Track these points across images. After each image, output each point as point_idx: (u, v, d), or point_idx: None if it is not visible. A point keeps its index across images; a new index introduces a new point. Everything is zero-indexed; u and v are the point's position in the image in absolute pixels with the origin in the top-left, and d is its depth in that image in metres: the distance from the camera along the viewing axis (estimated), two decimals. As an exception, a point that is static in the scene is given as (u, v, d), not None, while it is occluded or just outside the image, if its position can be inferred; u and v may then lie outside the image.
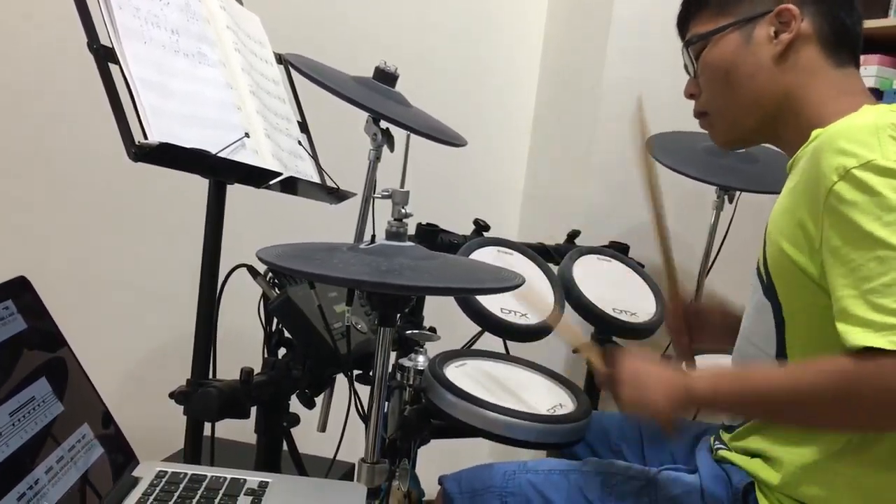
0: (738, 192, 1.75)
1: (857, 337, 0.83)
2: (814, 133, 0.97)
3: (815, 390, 0.88)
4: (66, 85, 1.96)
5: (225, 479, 0.98)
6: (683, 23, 1.17)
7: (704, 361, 1.55)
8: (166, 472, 0.98)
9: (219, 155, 1.11)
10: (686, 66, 1.16)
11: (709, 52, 1.11)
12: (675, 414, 1.01)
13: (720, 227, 1.79)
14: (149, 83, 1.06)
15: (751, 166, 1.71)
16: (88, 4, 1.02)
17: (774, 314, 1.01)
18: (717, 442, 1.15)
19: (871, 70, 1.79)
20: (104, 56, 1.01)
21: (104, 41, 1.03)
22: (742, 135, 1.16)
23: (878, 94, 1.82)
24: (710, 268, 1.81)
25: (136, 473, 0.98)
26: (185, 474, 0.98)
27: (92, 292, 2.08)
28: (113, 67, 1.03)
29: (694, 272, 1.83)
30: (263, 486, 0.98)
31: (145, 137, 1.01)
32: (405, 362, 1.23)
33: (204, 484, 0.96)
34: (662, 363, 1.06)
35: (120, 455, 0.98)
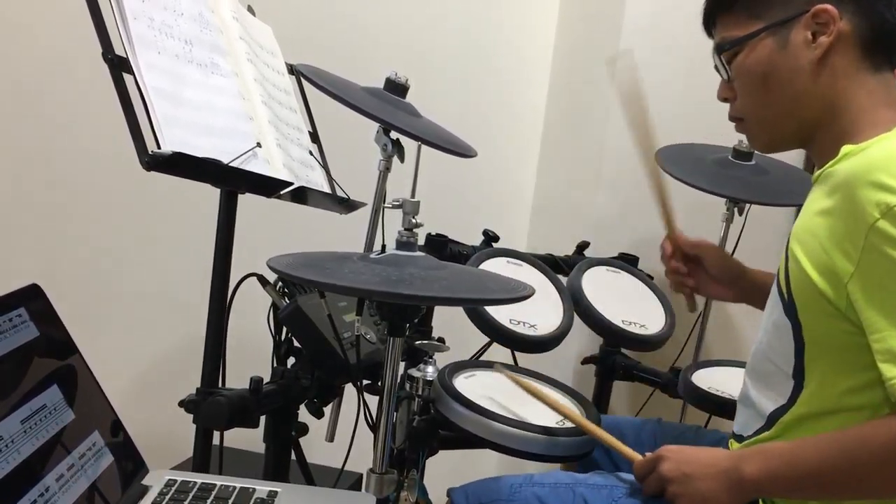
0: (747, 205, 1.75)
1: None
2: (844, 149, 0.95)
3: (873, 458, 0.86)
4: (80, 92, 1.97)
5: (234, 488, 0.98)
6: (710, 21, 1.13)
7: (714, 375, 1.55)
8: (176, 480, 0.98)
9: (230, 164, 1.12)
10: (717, 69, 1.12)
11: (744, 59, 1.07)
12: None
13: (730, 240, 1.78)
14: (162, 93, 1.06)
15: (761, 178, 1.70)
16: (103, 14, 1.02)
17: (794, 334, 0.99)
18: (728, 452, 1.15)
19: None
20: (118, 66, 1.02)
21: (118, 51, 1.04)
22: (781, 140, 1.12)
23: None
24: (720, 280, 1.80)
25: (145, 482, 0.98)
26: (195, 483, 0.98)
27: (103, 300, 2.09)
28: (126, 77, 1.04)
29: (704, 284, 1.82)
30: (272, 495, 0.98)
31: (158, 147, 1.02)
32: (414, 372, 1.22)
33: (213, 493, 0.96)
34: (704, 450, 1.04)
35: (130, 463, 0.98)
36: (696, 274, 1.39)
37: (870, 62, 1.02)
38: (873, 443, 0.85)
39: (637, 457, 1.11)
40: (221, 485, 0.98)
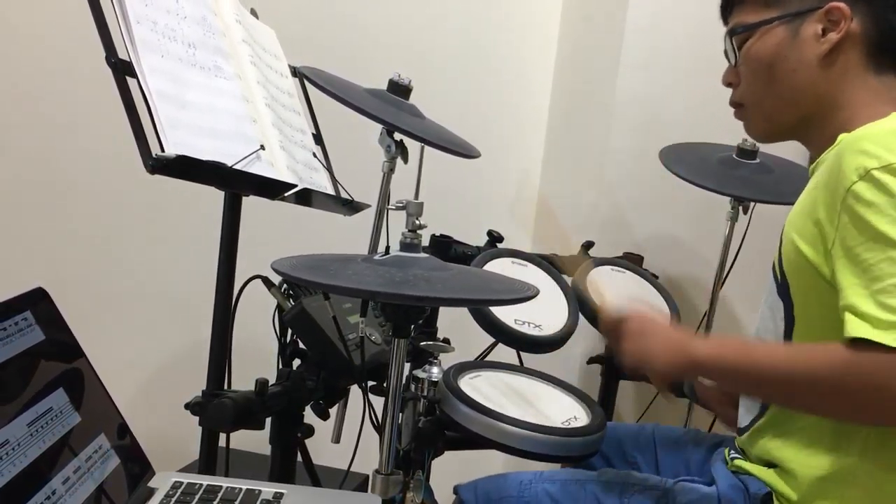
0: (752, 203, 1.74)
1: (858, 329, 0.83)
2: (840, 137, 0.97)
3: (809, 373, 0.89)
4: (84, 95, 1.98)
5: (240, 489, 0.98)
6: (727, 7, 1.15)
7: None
8: (182, 482, 0.98)
9: (234, 167, 1.12)
10: (726, 53, 1.14)
11: (753, 44, 1.09)
12: (673, 372, 1.03)
13: (735, 239, 1.78)
14: (166, 96, 1.07)
15: (765, 177, 1.70)
16: (107, 19, 1.03)
17: (785, 313, 1.02)
18: (732, 451, 1.15)
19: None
20: (122, 69, 1.02)
21: (122, 55, 1.04)
22: (777, 129, 1.15)
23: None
24: (725, 279, 1.80)
25: (151, 484, 0.98)
26: (201, 485, 0.98)
27: (108, 303, 2.09)
28: (130, 81, 1.04)
29: (709, 283, 1.82)
30: (278, 497, 0.98)
31: (162, 150, 1.02)
32: (419, 373, 1.23)
33: (219, 495, 0.96)
34: (670, 324, 1.07)
35: (136, 465, 0.98)
36: None
37: (874, 64, 1.04)
38: (814, 359, 0.88)
39: (608, 312, 1.14)
40: (227, 486, 0.98)
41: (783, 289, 1.01)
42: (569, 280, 1.55)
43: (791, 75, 1.06)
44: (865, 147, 0.89)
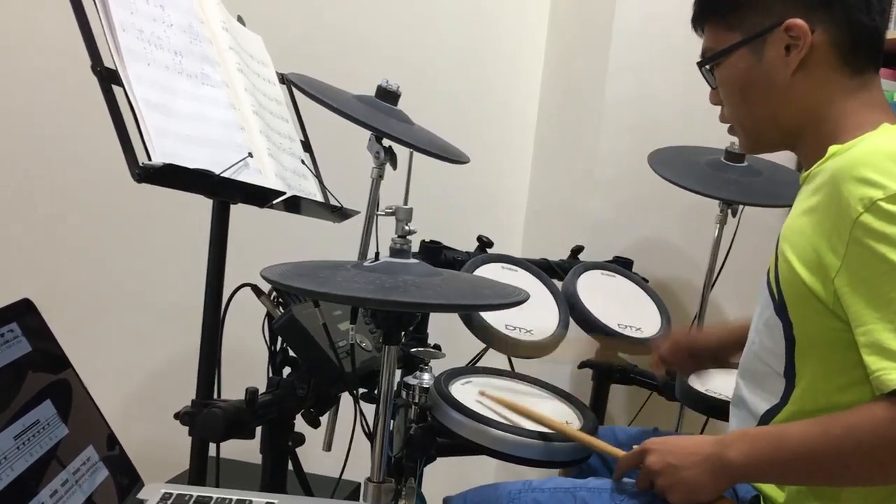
0: (741, 206, 1.75)
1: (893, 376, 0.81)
2: (830, 150, 0.96)
3: (858, 445, 0.85)
4: (71, 104, 1.97)
5: (231, 500, 0.97)
6: (697, 26, 1.14)
7: (710, 377, 1.55)
8: (171, 493, 0.97)
9: (222, 175, 1.11)
10: (705, 78, 1.14)
11: (722, 71, 1.09)
12: (722, 490, 0.99)
13: (724, 241, 1.78)
14: (152, 104, 1.06)
15: (754, 180, 1.70)
16: (92, 27, 1.02)
17: (785, 333, 0.99)
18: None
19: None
20: (107, 78, 1.02)
21: (108, 63, 1.03)
22: (766, 145, 1.14)
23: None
24: (715, 282, 1.81)
25: (141, 496, 0.97)
26: (191, 496, 0.97)
27: (96, 312, 2.08)
28: (116, 89, 1.03)
29: (699, 286, 1.83)
30: (269, 506, 0.98)
31: (149, 158, 1.01)
32: (410, 380, 1.22)
33: (209, 506, 0.96)
34: (685, 438, 1.04)
35: (125, 477, 0.97)
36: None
37: (851, 67, 1.01)
38: (858, 430, 0.85)
39: (620, 453, 1.11)
40: (218, 497, 0.98)
41: (781, 308, 0.99)
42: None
43: (765, 97, 1.05)
44: (867, 175, 0.86)
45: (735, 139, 1.19)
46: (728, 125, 1.16)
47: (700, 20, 1.12)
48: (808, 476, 0.94)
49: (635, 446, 1.09)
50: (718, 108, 1.17)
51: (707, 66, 1.11)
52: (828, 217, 0.90)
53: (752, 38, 1.04)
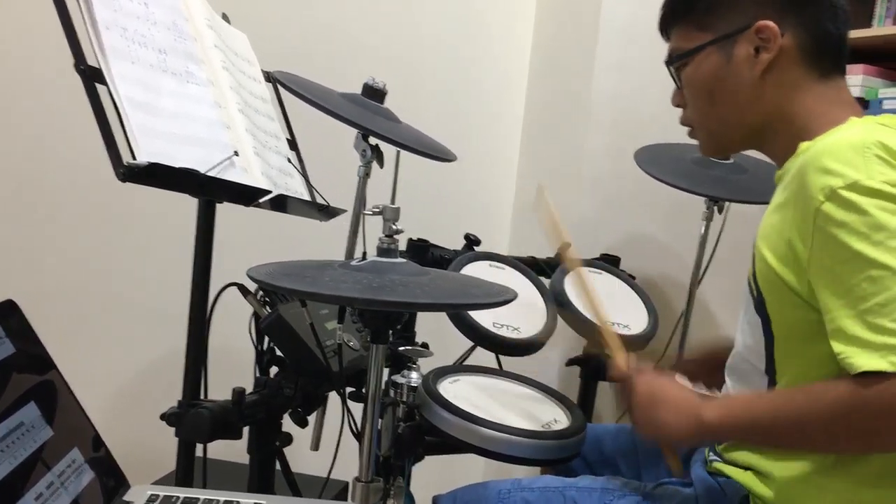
0: (727, 203, 1.76)
1: (858, 361, 0.83)
2: (801, 146, 0.97)
3: (819, 416, 0.88)
4: (55, 102, 1.95)
5: (218, 501, 0.97)
6: (664, 32, 1.15)
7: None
8: (158, 495, 0.96)
9: (208, 174, 1.10)
10: (671, 77, 1.15)
11: (689, 71, 1.09)
12: (686, 443, 1.01)
13: (710, 238, 1.79)
14: (136, 103, 1.05)
15: (739, 177, 1.71)
16: (75, 25, 1.01)
17: (764, 329, 1.01)
18: (711, 454, 1.15)
19: (856, 80, 1.80)
20: (91, 76, 1.01)
21: (91, 62, 1.02)
22: (727, 147, 1.17)
23: (863, 104, 1.83)
24: (702, 278, 1.82)
25: (127, 498, 0.96)
26: (177, 497, 0.96)
27: (81, 313, 2.07)
28: (100, 88, 1.02)
29: (685, 283, 1.83)
30: (257, 507, 0.97)
31: (133, 158, 1.00)
32: (398, 379, 1.22)
33: (196, 507, 0.95)
34: (678, 386, 1.05)
35: (111, 479, 0.96)
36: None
37: (817, 71, 1.03)
38: (822, 402, 0.88)
39: (622, 361, 1.13)
40: (205, 498, 0.97)
41: (760, 305, 1.00)
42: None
43: (732, 97, 1.06)
44: (828, 165, 0.88)
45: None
46: (689, 129, 1.17)
47: (670, 21, 1.13)
48: (771, 441, 0.98)
49: (632, 364, 1.12)
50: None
51: (675, 66, 1.11)
52: (796, 209, 0.92)
53: (723, 38, 1.04)
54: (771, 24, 1.01)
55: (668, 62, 1.12)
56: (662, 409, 1.01)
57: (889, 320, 0.81)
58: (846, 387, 0.85)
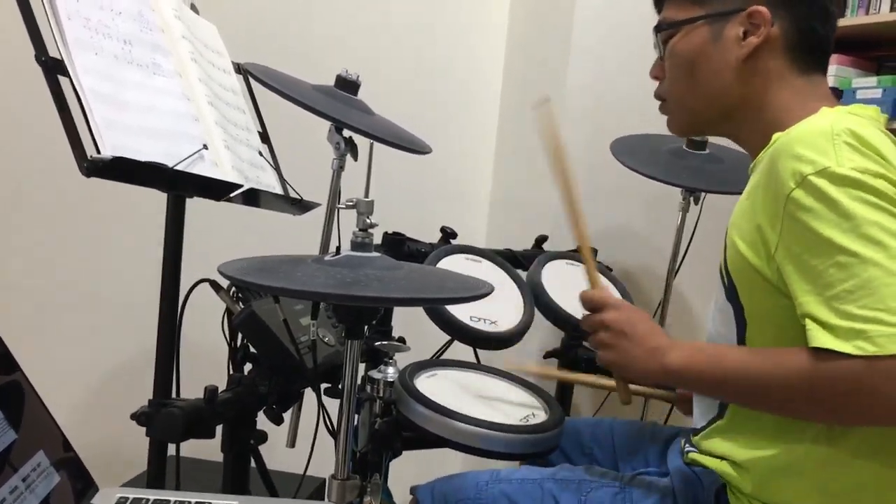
0: (703, 193, 1.76)
1: (819, 338, 0.84)
2: (774, 136, 0.97)
3: (781, 380, 0.89)
4: (19, 95, 1.91)
5: (189, 503, 0.95)
6: (659, 3, 1.15)
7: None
8: (127, 498, 0.94)
9: (176, 168, 1.08)
10: (655, 46, 1.15)
11: (677, 42, 1.10)
12: (647, 381, 1.04)
13: (686, 229, 1.79)
14: (101, 95, 1.02)
15: (715, 167, 1.71)
16: (36, 16, 0.98)
17: (736, 316, 1.01)
18: (687, 445, 1.15)
19: (829, 70, 1.81)
20: (53, 68, 0.98)
21: (53, 53, 1.00)
22: (698, 126, 1.18)
23: (837, 94, 1.85)
24: (678, 269, 1.82)
25: (94, 501, 0.94)
26: (147, 500, 0.94)
27: (46, 311, 2.02)
28: (63, 80, 1.00)
29: (662, 273, 1.83)
30: (230, 509, 0.95)
31: (98, 152, 0.98)
32: (375, 374, 1.20)
33: (167, 509, 0.93)
34: (651, 324, 1.07)
35: (78, 482, 0.94)
36: None
37: (798, 66, 1.05)
38: (787, 368, 0.89)
39: (598, 286, 1.15)
40: (175, 500, 0.95)
41: (731, 292, 1.01)
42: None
43: (713, 75, 1.07)
44: (798, 151, 0.88)
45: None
46: (660, 103, 1.17)
47: None
48: (732, 395, 0.99)
49: (609, 294, 1.12)
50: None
51: (663, 35, 1.12)
52: (766, 195, 0.93)
53: (716, 16, 1.06)
54: (764, 10, 1.02)
55: (658, 28, 1.13)
56: (629, 341, 1.03)
57: (856, 306, 0.82)
58: (811, 359, 0.86)
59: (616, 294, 1.16)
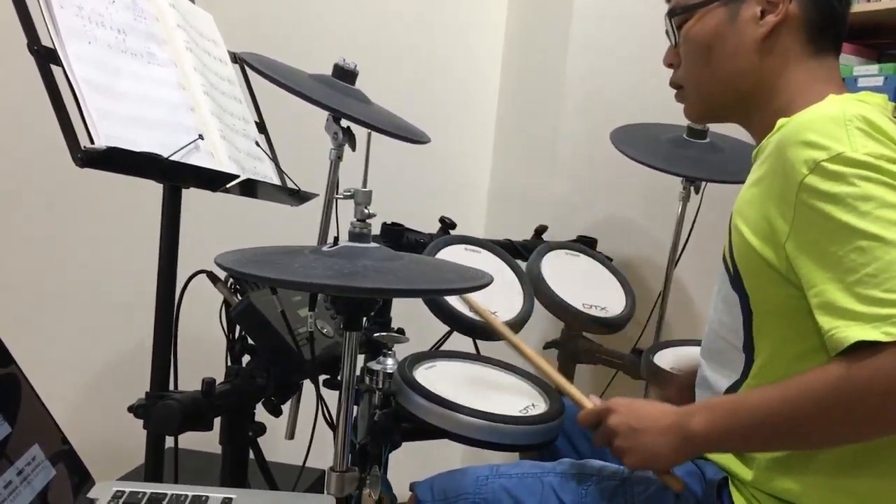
0: (703, 183, 1.75)
1: (850, 332, 0.80)
2: (778, 122, 0.96)
3: (815, 405, 0.84)
4: (12, 85, 1.89)
5: (186, 496, 0.94)
6: None
7: (675, 355, 1.55)
8: (124, 491, 0.93)
9: (171, 158, 1.07)
10: (667, 34, 1.13)
11: (692, 26, 1.08)
12: (678, 462, 0.98)
13: (687, 218, 1.78)
14: (94, 85, 1.01)
15: (716, 156, 1.70)
16: (28, 4, 0.97)
17: (742, 306, 1.00)
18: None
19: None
20: (45, 57, 0.97)
21: (45, 42, 0.98)
22: (715, 111, 1.14)
23: (838, 81, 1.83)
24: (679, 259, 1.81)
25: (91, 495, 0.93)
26: (144, 493, 0.94)
27: (41, 304, 2.01)
28: (56, 70, 0.98)
29: (662, 264, 1.82)
30: (227, 502, 0.94)
31: (92, 142, 0.97)
32: (374, 365, 1.19)
33: (163, 503, 0.92)
34: (652, 405, 1.02)
35: (75, 476, 0.93)
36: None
37: (813, 47, 1.03)
38: (814, 390, 0.84)
39: (588, 405, 1.10)
40: (172, 494, 0.94)
41: (737, 281, 0.99)
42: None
43: (730, 58, 1.06)
44: (809, 138, 0.87)
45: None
46: (675, 91, 1.15)
47: None
48: (767, 440, 0.93)
49: (599, 402, 1.08)
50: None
51: (676, 20, 1.10)
52: (775, 183, 0.91)
53: None
54: None
55: (671, 14, 1.11)
56: (645, 436, 0.98)
57: (881, 290, 0.79)
58: (837, 368, 0.82)
59: (595, 400, 1.12)
